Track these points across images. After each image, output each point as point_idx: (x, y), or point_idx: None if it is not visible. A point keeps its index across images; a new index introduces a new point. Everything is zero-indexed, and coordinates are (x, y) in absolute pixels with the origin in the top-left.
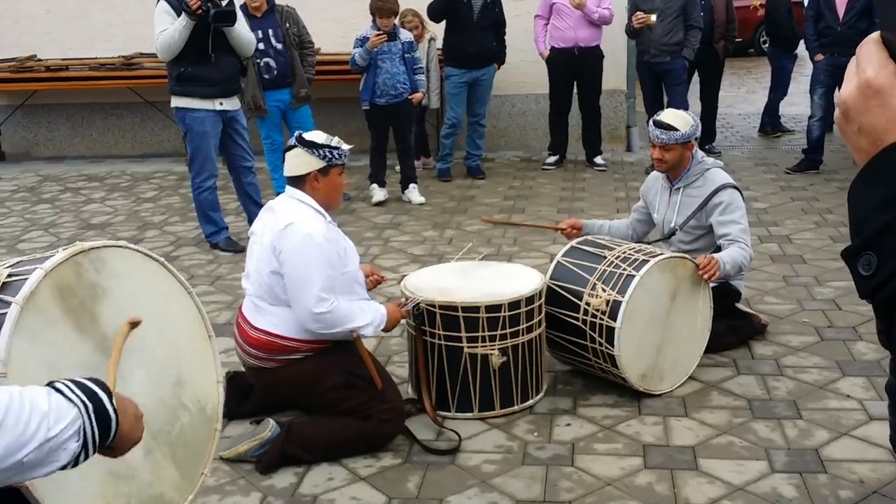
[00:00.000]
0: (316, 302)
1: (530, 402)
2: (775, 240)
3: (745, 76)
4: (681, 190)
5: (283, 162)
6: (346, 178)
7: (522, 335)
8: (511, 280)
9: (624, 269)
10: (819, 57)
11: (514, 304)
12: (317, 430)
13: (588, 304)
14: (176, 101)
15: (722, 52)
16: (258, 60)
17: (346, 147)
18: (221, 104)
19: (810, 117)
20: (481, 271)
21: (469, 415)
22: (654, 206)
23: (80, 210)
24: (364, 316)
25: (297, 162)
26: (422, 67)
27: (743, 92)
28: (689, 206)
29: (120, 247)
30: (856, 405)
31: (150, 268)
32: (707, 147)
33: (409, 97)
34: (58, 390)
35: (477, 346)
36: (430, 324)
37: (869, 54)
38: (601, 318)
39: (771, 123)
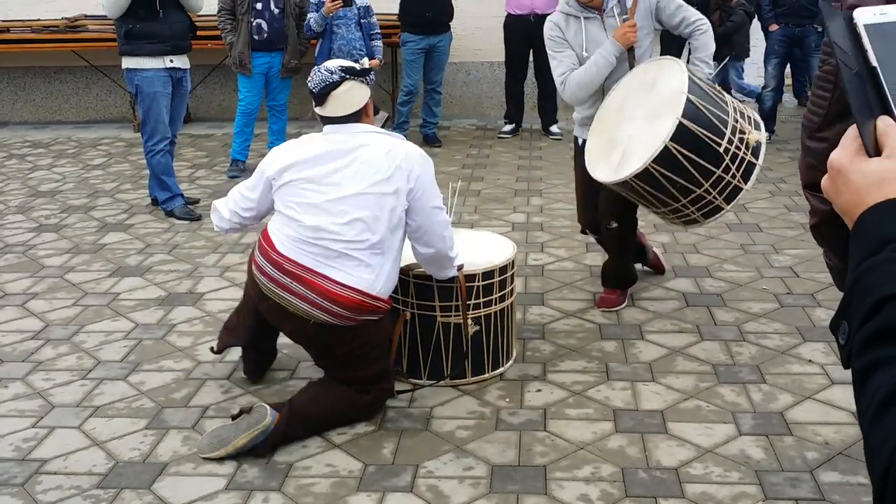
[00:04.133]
0: (445, 213)
1: (501, 369)
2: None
3: None
4: (614, 9)
5: (326, 103)
6: None
7: (495, 304)
8: (484, 249)
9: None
10: (774, 27)
11: (487, 274)
12: (316, 405)
13: (743, 133)
14: (126, 63)
15: (717, 24)
16: (252, 20)
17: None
18: (172, 61)
19: (763, 87)
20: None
21: (441, 382)
22: (583, 45)
23: (28, 177)
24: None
25: (355, 95)
26: (379, 33)
27: None
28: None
29: None
30: (818, 370)
31: None
32: None
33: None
34: None
35: (450, 316)
36: (402, 293)
37: (843, 138)
38: (745, 153)
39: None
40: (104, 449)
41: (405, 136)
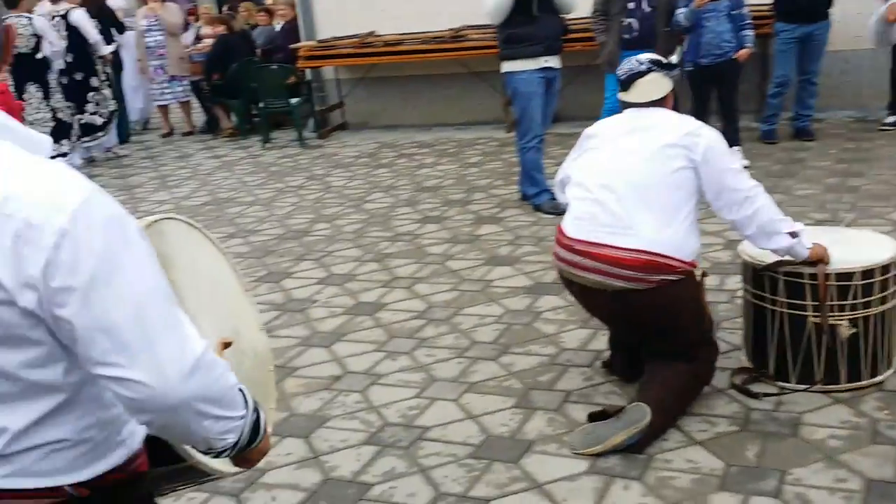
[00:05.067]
0: (744, 176)
1: (879, 377)
2: None
3: None
4: None
5: (630, 89)
6: None
7: (874, 306)
8: (861, 247)
9: None
10: None
11: (867, 273)
12: (667, 391)
13: None
14: (505, 66)
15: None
16: (622, 20)
17: None
18: (546, 61)
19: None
20: (826, 237)
21: (811, 388)
22: None
23: (414, 174)
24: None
25: (658, 85)
26: (750, 23)
27: None
28: None
29: (169, 218)
30: None
31: (194, 235)
32: None
33: (735, 56)
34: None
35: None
36: (771, 291)
37: None
38: None
39: None
40: (478, 423)
41: (775, 129)
